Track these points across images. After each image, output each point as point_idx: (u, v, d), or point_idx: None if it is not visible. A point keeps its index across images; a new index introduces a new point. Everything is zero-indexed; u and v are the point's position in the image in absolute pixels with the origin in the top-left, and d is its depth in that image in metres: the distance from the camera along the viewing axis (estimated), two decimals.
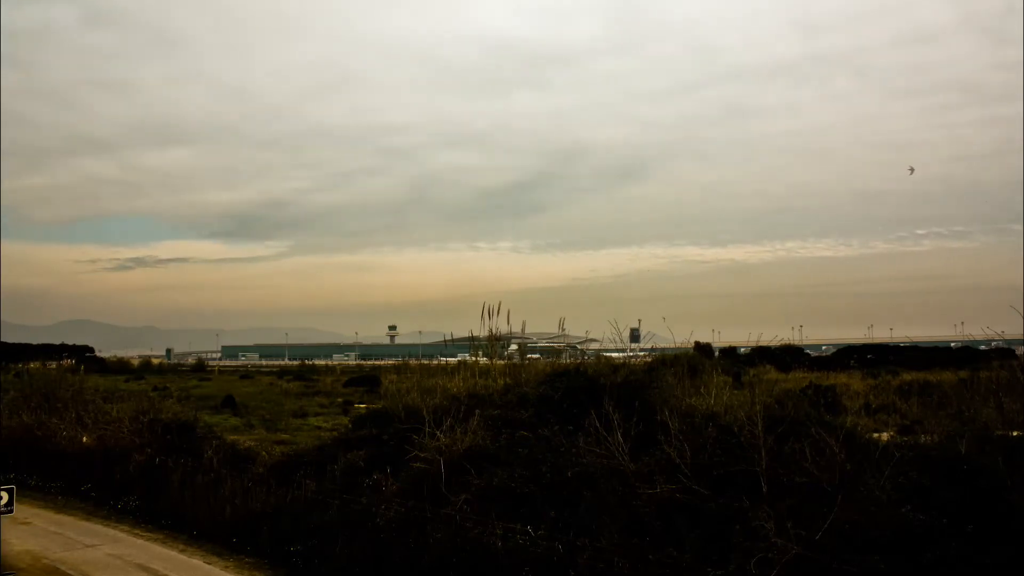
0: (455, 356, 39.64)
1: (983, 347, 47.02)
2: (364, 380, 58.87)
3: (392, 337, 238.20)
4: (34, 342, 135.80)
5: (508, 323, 28.34)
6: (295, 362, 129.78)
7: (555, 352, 37.72)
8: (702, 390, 18.92)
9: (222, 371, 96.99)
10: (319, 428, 33.68)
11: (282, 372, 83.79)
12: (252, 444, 26.58)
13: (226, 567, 17.84)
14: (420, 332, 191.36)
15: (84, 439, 28.11)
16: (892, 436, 17.31)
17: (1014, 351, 28.99)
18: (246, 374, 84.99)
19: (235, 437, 28.36)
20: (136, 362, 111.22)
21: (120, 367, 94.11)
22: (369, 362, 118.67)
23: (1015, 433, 14.86)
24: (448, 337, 37.71)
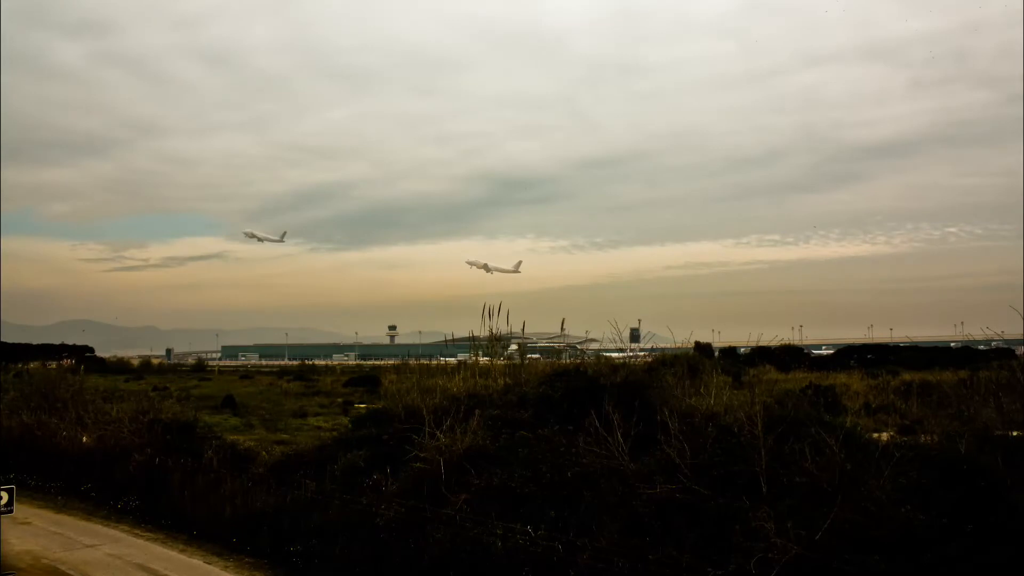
0: (455, 356, 39.63)
1: (983, 347, 47.07)
2: (364, 380, 58.83)
3: (392, 337, 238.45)
4: (34, 342, 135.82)
5: (508, 323, 28.40)
6: (295, 362, 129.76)
7: (555, 352, 37.71)
8: (702, 390, 18.91)
9: (222, 371, 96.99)
10: (319, 428, 33.67)
11: (282, 372, 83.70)
12: (252, 444, 26.59)
13: (226, 567, 17.84)
14: (420, 332, 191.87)
15: (84, 439, 28.13)
16: (892, 436, 17.31)
17: (1014, 351, 29.00)
18: (246, 374, 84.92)
19: (235, 437, 28.36)
20: (136, 362, 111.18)
21: (120, 367, 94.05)
22: (369, 362, 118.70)
23: (1015, 433, 14.87)
24: (448, 337, 37.75)
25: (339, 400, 47.29)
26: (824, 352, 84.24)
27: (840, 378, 40.56)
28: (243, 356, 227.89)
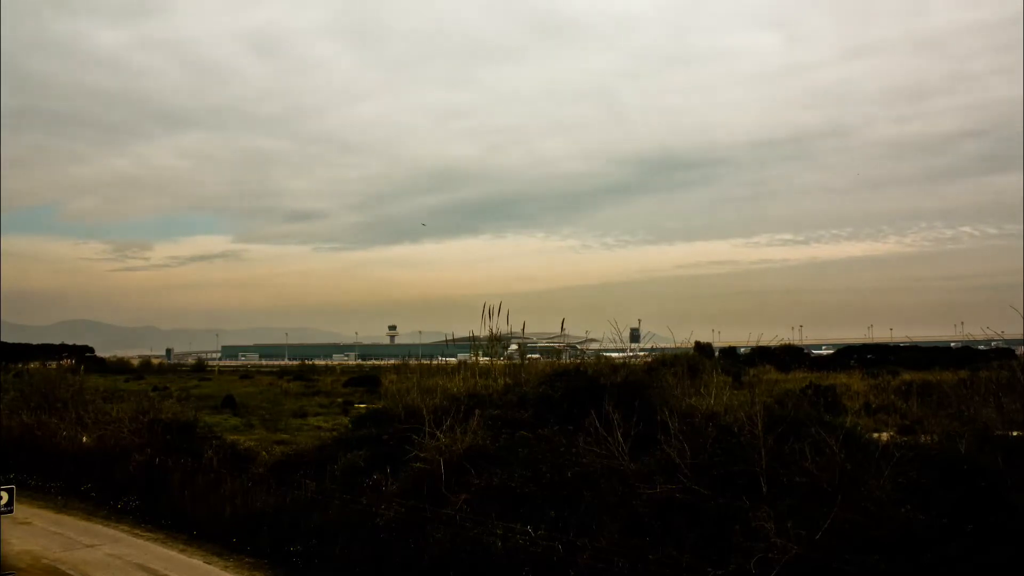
0: (455, 356, 39.63)
1: (983, 347, 47.04)
2: (364, 380, 58.79)
3: (392, 337, 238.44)
4: (34, 342, 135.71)
5: (508, 323, 28.40)
6: (295, 362, 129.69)
7: (555, 352, 37.72)
8: (702, 390, 18.91)
9: (222, 371, 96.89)
10: (319, 428, 33.66)
11: (282, 372, 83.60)
12: (252, 444, 26.58)
13: (226, 567, 17.84)
14: (420, 332, 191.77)
15: (84, 439, 28.12)
16: (892, 436, 17.31)
17: (1014, 351, 29.01)
18: (246, 374, 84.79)
19: (235, 437, 28.36)
20: (136, 362, 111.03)
21: (120, 367, 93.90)
22: (369, 362, 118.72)
23: (1015, 433, 14.86)
24: (448, 337, 37.75)
25: (339, 400, 47.25)
26: (824, 352, 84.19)
27: (840, 378, 40.55)
28: (243, 356, 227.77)
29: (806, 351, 71.81)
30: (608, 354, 33.98)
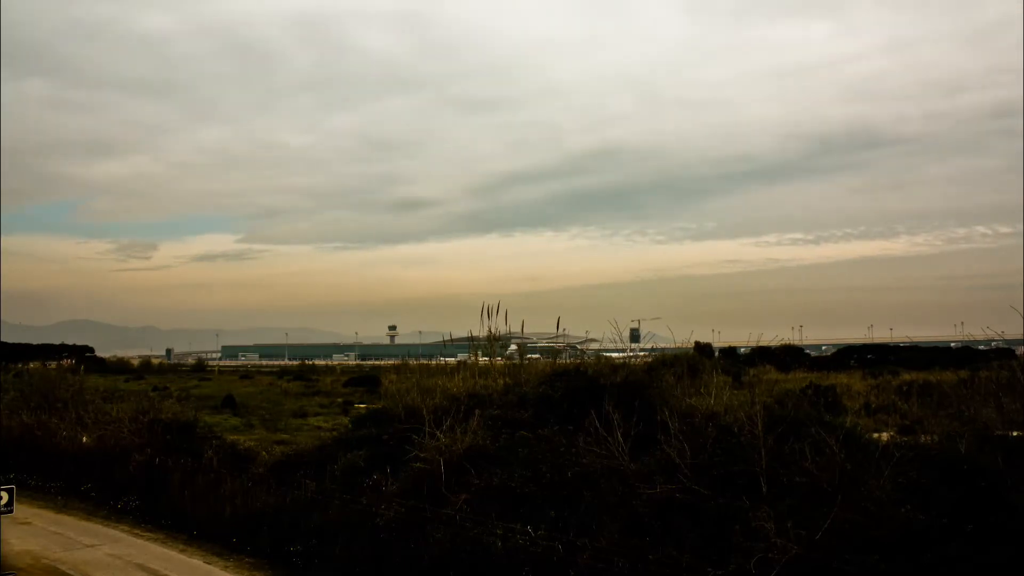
0: (455, 356, 39.62)
1: (983, 347, 47.03)
2: (364, 380, 58.80)
3: (392, 337, 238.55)
4: (34, 342, 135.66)
5: (507, 323, 28.40)
6: (295, 362, 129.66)
7: (555, 352, 37.68)
8: (702, 390, 18.90)
9: (222, 371, 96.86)
10: (319, 428, 33.65)
11: (282, 372, 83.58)
12: (252, 444, 26.58)
13: (226, 567, 17.85)
14: (420, 332, 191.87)
15: (84, 439, 28.13)
16: (892, 436, 17.31)
17: (1014, 351, 29.03)
18: (246, 374, 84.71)
19: (235, 437, 28.36)
20: (136, 362, 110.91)
21: (120, 367, 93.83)
22: (369, 362, 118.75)
23: (1015, 433, 14.87)
24: (448, 337, 37.74)
25: (339, 400, 47.25)
26: (824, 352, 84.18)
27: (840, 378, 40.55)
28: (243, 356, 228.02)
29: (806, 351, 71.82)
30: (608, 354, 33.94)
